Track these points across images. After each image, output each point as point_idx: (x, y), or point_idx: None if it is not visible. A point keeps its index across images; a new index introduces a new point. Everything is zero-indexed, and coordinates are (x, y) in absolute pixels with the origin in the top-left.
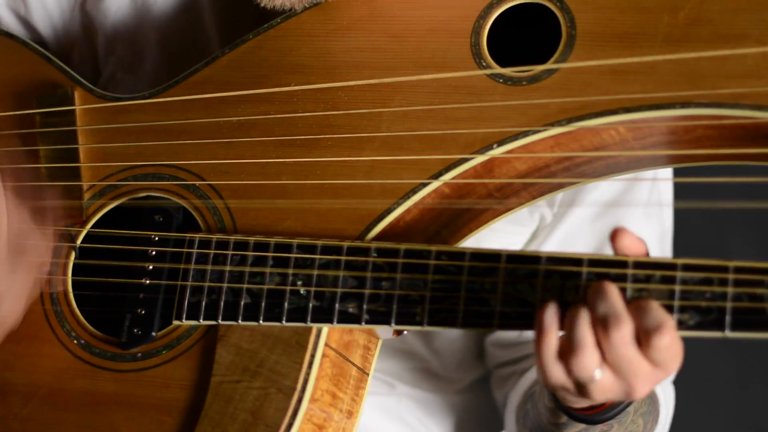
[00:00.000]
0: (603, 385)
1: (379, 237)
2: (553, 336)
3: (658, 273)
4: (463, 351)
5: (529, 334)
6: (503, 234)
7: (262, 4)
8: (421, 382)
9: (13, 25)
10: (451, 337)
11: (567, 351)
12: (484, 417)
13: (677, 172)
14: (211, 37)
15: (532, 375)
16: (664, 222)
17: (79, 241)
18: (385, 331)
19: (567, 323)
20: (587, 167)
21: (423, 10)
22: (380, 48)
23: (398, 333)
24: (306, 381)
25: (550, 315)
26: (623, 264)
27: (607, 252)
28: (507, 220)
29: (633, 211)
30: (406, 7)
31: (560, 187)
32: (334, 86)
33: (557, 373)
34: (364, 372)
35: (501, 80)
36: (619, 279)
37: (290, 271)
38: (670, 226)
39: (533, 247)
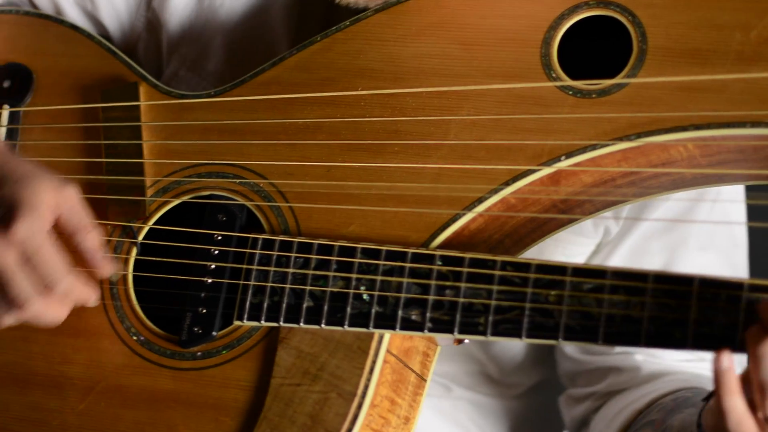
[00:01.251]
0: None
1: (444, 245)
2: (733, 376)
3: (724, 292)
4: (521, 356)
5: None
6: (567, 244)
7: (336, 1)
8: (478, 386)
9: (80, 21)
10: (509, 342)
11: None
12: (540, 423)
13: (748, 190)
14: (279, 39)
15: (621, 403)
16: (735, 238)
17: (140, 237)
18: (445, 339)
19: (754, 362)
20: (653, 182)
21: (493, 19)
22: (450, 55)
23: (459, 341)
24: (366, 387)
25: (727, 360)
26: (689, 282)
27: (677, 266)
28: (571, 230)
29: (699, 227)
30: (477, 15)
31: (624, 201)
32: (403, 92)
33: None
34: (422, 378)
35: (570, 92)
36: (684, 297)
37: (354, 275)
38: (742, 243)
39: (598, 260)
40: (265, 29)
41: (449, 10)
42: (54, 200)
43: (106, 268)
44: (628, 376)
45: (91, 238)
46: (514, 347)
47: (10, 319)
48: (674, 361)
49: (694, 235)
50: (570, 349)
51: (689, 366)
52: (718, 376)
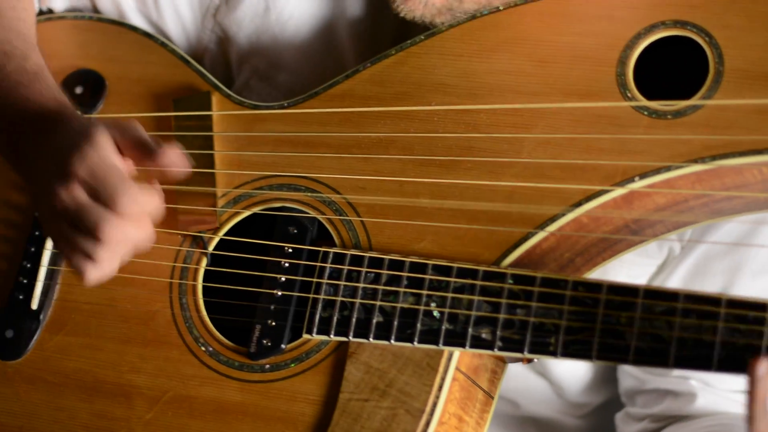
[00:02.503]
0: None
1: (515, 263)
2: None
3: None
4: (589, 375)
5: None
6: (631, 265)
7: (402, 14)
8: (545, 404)
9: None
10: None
11: None
12: None
13: None
14: (347, 55)
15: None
16: None
17: (211, 248)
18: (514, 357)
19: None
20: (725, 204)
21: (569, 36)
22: (525, 72)
23: (528, 360)
24: (435, 404)
25: (765, 367)
26: (762, 307)
27: (736, 289)
28: (636, 251)
29: (758, 250)
30: (553, 32)
31: (695, 222)
32: (477, 108)
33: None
34: (490, 396)
35: (645, 113)
36: (757, 322)
37: (424, 292)
38: None
39: (659, 280)
40: (333, 45)
41: (525, 27)
42: (107, 130)
43: (181, 160)
44: (683, 402)
45: (168, 150)
46: (582, 366)
47: (99, 252)
48: (727, 392)
49: (753, 258)
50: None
51: (740, 398)
52: (752, 382)
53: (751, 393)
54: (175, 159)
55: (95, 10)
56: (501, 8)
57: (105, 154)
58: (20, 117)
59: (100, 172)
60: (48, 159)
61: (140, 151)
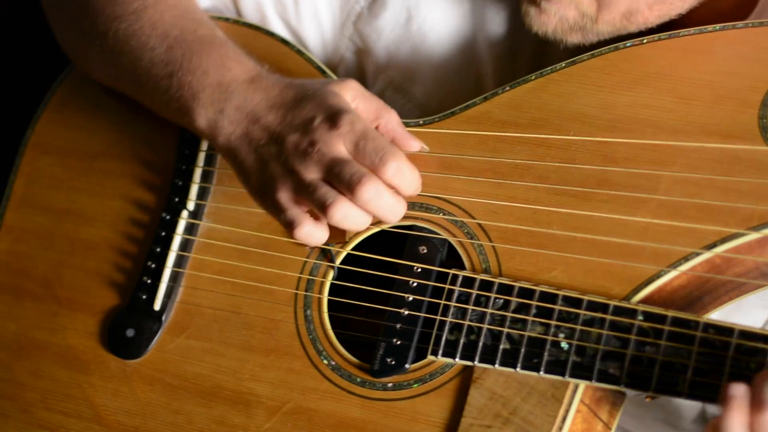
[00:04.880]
0: None
1: (645, 299)
2: (742, 405)
3: None
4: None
5: None
6: (751, 307)
7: (534, 29)
8: None
9: (283, 35)
10: None
11: None
12: None
13: None
14: (485, 72)
15: None
16: None
17: (338, 262)
18: (637, 393)
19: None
20: None
21: (713, 75)
22: (665, 108)
23: (652, 397)
24: None
25: (740, 389)
26: None
27: None
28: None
29: None
30: (697, 69)
31: None
32: (616, 141)
33: None
34: (608, 427)
35: None
36: None
37: (553, 322)
38: None
39: None
40: (471, 61)
41: (668, 62)
42: (349, 96)
43: (414, 142)
44: None
45: (393, 114)
46: None
47: (349, 210)
48: None
49: None
50: None
51: None
52: (727, 402)
53: (726, 410)
54: (412, 146)
55: (238, 11)
56: (645, 41)
57: (359, 116)
58: (223, 76)
59: (369, 131)
60: (290, 112)
61: (376, 121)
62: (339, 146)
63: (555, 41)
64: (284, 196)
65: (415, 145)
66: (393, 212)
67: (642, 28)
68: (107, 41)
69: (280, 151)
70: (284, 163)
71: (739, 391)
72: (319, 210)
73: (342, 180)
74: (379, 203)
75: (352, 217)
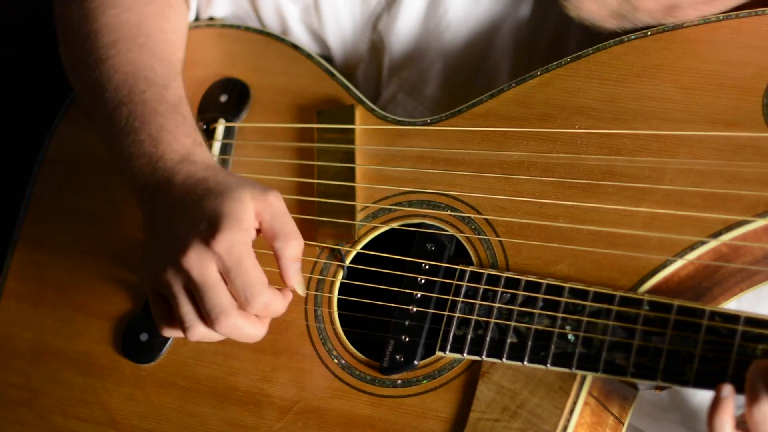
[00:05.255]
0: None
1: (652, 290)
2: (729, 406)
3: None
4: None
5: None
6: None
7: (573, 13)
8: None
9: (304, 40)
10: (706, 393)
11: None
12: None
13: None
14: (501, 71)
15: None
16: None
17: (348, 261)
18: (646, 384)
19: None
20: None
21: (716, 65)
22: (669, 99)
23: (660, 388)
24: (566, 427)
25: (728, 390)
26: None
27: None
28: None
29: None
30: (700, 59)
31: None
32: (621, 133)
33: None
34: (620, 422)
35: None
36: None
37: (559, 315)
38: None
39: None
40: (487, 57)
41: (671, 53)
42: (256, 209)
43: (297, 282)
44: None
45: (292, 246)
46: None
47: (204, 333)
48: None
49: None
50: None
51: None
52: (715, 402)
53: (713, 411)
54: (289, 285)
55: (259, 17)
56: (649, 33)
57: (247, 240)
58: (155, 148)
59: (243, 262)
60: (185, 210)
61: (272, 243)
62: (209, 264)
63: (592, 27)
64: (154, 294)
65: (291, 285)
66: (252, 338)
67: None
68: (78, 79)
69: (164, 240)
70: (162, 257)
71: (727, 391)
72: (178, 325)
73: (203, 306)
74: (238, 334)
75: (210, 338)
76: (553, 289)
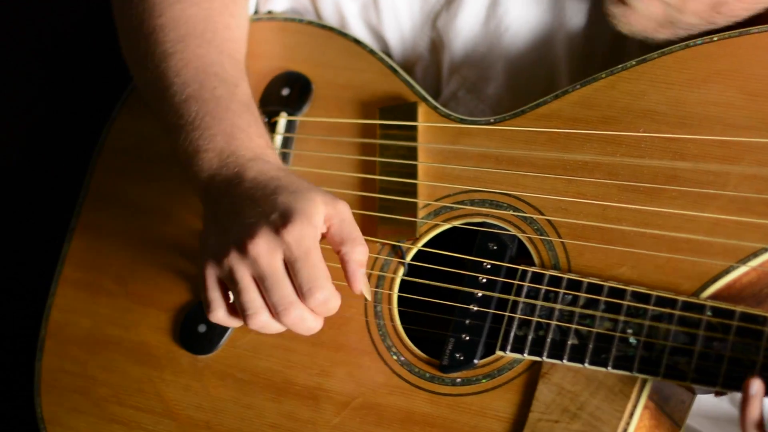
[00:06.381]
0: None
1: (714, 296)
2: (758, 403)
3: None
4: None
5: None
6: None
7: (624, 30)
8: None
9: (362, 36)
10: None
11: None
12: None
13: None
14: (559, 70)
15: None
16: None
17: (408, 258)
18: (706, 389)
19: None
20: None
21: None
22: (735, 105)
23: (720, 393)
24: (625, 431)
25: (757, 386)
26: None
27: None
28: None
29: None
30: (766, 66)
31: None
32: (685, 138)
33: None
34: (677, 425)
35: None
36: None
37: (621, 318)
38: None
39: None
40: (546, 58)
41: (737, 59)
42: (327, 213)
43: (364, 285)
44: None
45: (358, 252)
46: None
47: (265, 322)
48: None
49: None
50: None
51: None
52: (745, 400)
53: (743, 411)
54: (356, 289)
55: (317, 12)
56: (715, 39)
57: (316, 235)
58: (228, 144)
59: (311, 255)
60: (256, 202)
61: (339, 248)
62: (278, 255)
63: (646, 41)
64: (212, 276)
65: (356, 289)
66: (310, 331)
67: (731, 22)
68: (142, 73)
69: (230, 228)
70: (227, 242)
71: (755, 387)
72: (239, 310)
73: (270, 297)
74: (300, 326)
75: (269, 328)
76: (615, 292)
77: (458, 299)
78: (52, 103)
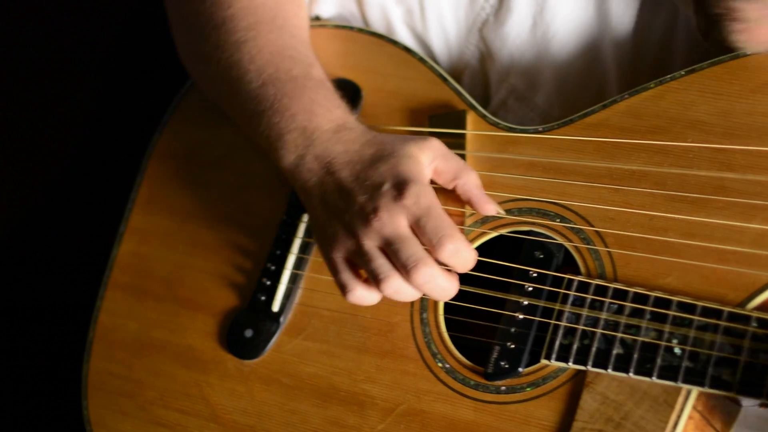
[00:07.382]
0: None
1: (760, 307)
2: None
3: None
4: None
5: None
6: None
7: (747, 50)
8: None
9: (408, 42)
10: None
11: None
12: None
13: None
14: (608, 77)
15: None
16: None
17: None
18: (752, 401)
19: None
20: None
21: None
22: None
23: (766, 405)
24: None
25: None
26: None
27: None
28: None
29: None
30: None
31: None
32: (734, 148)
33: None
34: None
35: None
36: None
37: (667, 328)
38: None
39: None
40: (595, 65)
41: None
42: (427, 158)
43: (490, 206)
44: None
45: (472, 176)
46: None
47: (399, 285)
48: None
49: None
50: None
51: None
52: None
53: None
54: (486, 210)
55: (364, 19)
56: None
57: (430, 189)
58: (309, 122)
59: (432, 209)
60: (360, 176)
61: (454, 183)
62: (401, 219)
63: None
64: (340, 257)
65: (491, 209)
66: (445, 293)
67: None
68: (211, 67)
69: (346, 209)
70: (347, 223)
71: None
72: (372, 280)
73: (398, 259)
74: (433, 286)
75: (403, 292)
76: (661, 302)
77: (504, 307)
78: (104, 109)
